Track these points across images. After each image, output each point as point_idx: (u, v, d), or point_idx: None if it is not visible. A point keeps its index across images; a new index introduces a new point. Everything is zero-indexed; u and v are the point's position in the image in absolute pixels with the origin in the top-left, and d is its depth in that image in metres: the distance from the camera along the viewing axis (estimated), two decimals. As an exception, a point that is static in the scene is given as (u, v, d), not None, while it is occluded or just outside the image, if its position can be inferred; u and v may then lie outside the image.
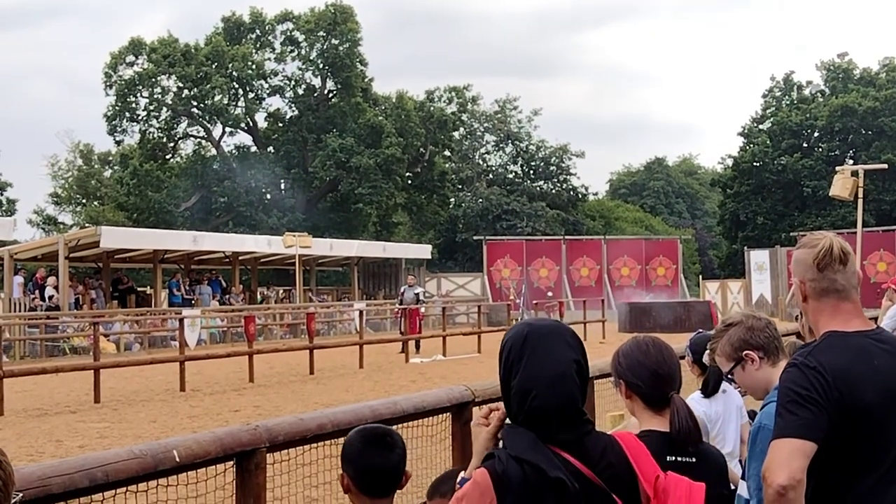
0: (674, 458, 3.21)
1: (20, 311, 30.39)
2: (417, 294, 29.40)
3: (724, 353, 3.70)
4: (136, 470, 3.81)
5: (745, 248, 52.20)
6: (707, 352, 3.94)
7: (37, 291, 31.47)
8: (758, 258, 48.43)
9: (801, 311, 3.39)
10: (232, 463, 4.39)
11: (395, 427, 5.79)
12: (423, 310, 29.77)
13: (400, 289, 31.06)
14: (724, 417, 5.17)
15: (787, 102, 64.15)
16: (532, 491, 2.57)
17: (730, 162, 66.65)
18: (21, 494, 2.21)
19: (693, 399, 5.21)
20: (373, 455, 3.21)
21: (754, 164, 62.26)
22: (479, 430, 2.89)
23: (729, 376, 3.77)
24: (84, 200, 64.26)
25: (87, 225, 51.39)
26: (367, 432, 3.32)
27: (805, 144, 61.89)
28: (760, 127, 64.50)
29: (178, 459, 3.99)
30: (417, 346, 27.41)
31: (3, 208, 59.86)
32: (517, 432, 2.67)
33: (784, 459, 2.89)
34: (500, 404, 2.88)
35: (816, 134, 62.27)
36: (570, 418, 2.67)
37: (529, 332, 2.73)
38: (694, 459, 3.23)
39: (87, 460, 3.71)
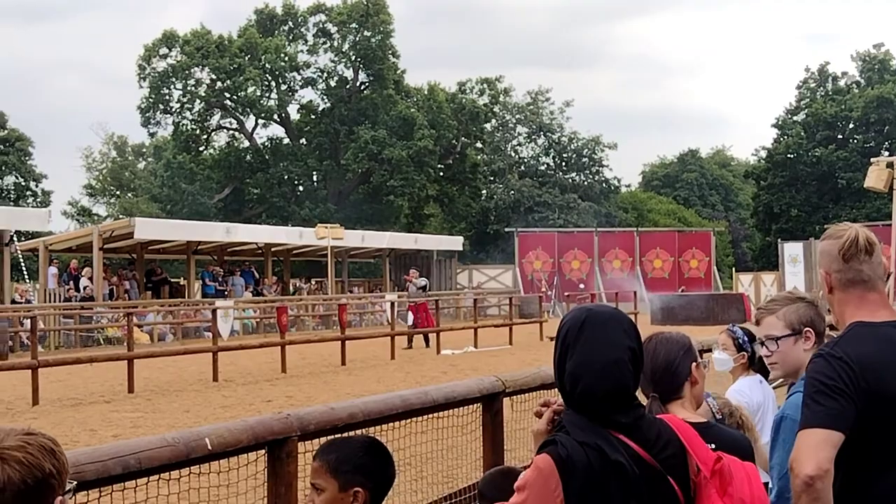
0: None
1: (55, 301, 30.70)
2: (424, 287, 28.64)
3: (787, 320, 3.64)
4: (169, 458, 3.84)
5: (779, 240, 51.78)
6: (757, 312, 3.87)
7: (71, 282, 31.76)
8: (792, 251, 48.02)
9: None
10: (263, 451, 4.41)
11: (425, 417, 5.82)
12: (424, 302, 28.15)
13: (410, 285, 29.37)
14: (764, 407, 5.16)
15: (822, 94, 63.62)
16: (596, 475, 2.56)
17: (764, 154, 66.22)
18: (75, 482, 2.25)
19: (735, 390, 5.20)
20: (388, 466, 3.18)
21: (788, 155, 61.82)
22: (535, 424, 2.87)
23: (763, 343, 3.70)
24: (118, 192, 64.79)
25: (120, 216, 51.85)
26: (372, 444, 3.25)
27: (840, 136, 61.37)
28: (795, 118, 64.02)
29: (210, 448, 4.01)
30: (426, 339, 27.01)
31: (38, 199, 60.40)
32: (577, 417, 2.65)
33: (812, 449, 2.86)
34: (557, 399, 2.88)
35: (851, 125, 61.73)
36: (621, 403, 2.66)
37: (588, 317, 2.72)
38: (713, 446, 3.19)
39: (120, 448, 3.74)
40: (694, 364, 3.43)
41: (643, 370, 3.27)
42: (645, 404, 3.19)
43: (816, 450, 2.86)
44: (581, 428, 2.62)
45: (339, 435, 3.53)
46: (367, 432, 5.13)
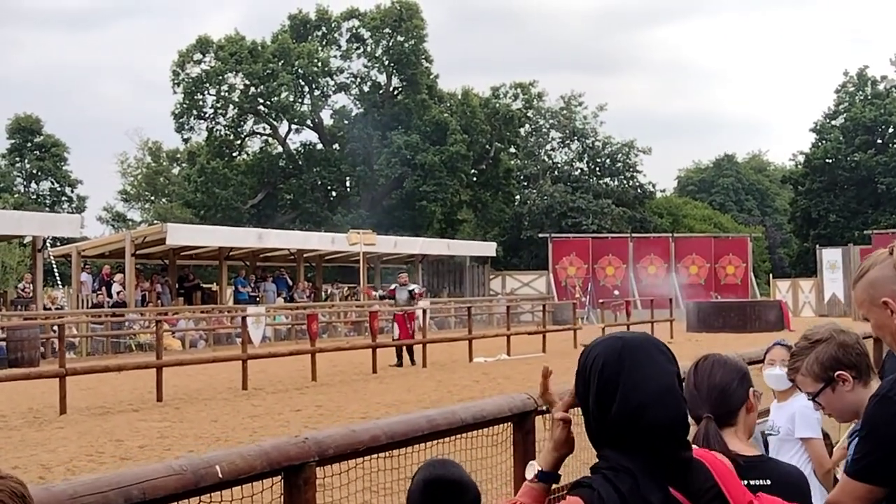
0: (745, 481, 2.89)
1: (87, 307, 30.72)
2: (412, 291, 25.30)
3: (812, 374, 3.28)
4: (175, 487, 3.59)
5: (817, 246, 51.25)
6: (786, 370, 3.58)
7: (103, 288, 31.78)
8: (830, 256, 47.49)
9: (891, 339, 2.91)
10: (279, 478, 4.17)
11: (452, 438, 5.55)
12: (419, 311, 25.27)
13: (391, 287, 26.48)
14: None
15: (861, 98, 62.90)
16: None
17: (801, 158, 65.64)
18: None
19: (805, 405, 4.95)
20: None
21: (826, 160, 61.19)
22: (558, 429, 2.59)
23: (815, 400, 3.36)
24: (152, 197, 65.05)
25: (155, 222, 51.99)
26: (431, 482, 3.05)
27: (879, 140, 60.70)
28: (833, 123, 63.35)
29: (220, 475, 3.77)
30: (411, 355, 24.01)
31: (74, 205, 60.82)
32: (628, 458, 2.32)
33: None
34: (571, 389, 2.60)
35: (891, 130, 61.03)
36: (684, 434, 2.37)
37: (623, 345, 2.40)
38: (769, 482, 2.92)
39: (123, 477, 3.51)
40: (752, 391, 3.20)
41: (698, 389, 3.07)
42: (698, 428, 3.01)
43: None
44: (628, 472, 2.32)
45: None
46: (391, 455, 4.87)
